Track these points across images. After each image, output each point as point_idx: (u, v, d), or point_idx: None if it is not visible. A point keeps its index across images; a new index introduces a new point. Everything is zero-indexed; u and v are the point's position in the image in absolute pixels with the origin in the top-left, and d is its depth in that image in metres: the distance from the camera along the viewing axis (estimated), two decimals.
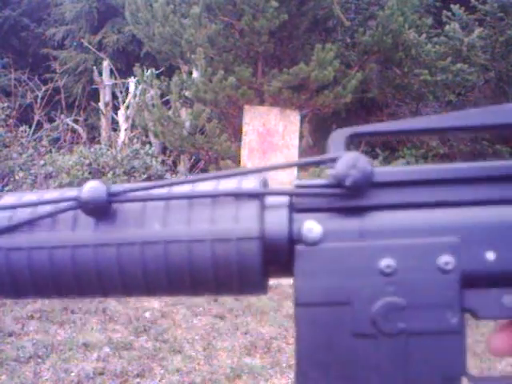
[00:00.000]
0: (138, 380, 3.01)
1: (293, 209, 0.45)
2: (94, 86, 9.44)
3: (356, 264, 0.43)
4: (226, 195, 0.45)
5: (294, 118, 5.58)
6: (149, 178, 5.92)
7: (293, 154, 5.59)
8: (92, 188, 0.44)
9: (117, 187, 0.45)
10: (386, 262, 0.42)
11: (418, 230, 0.43)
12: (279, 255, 0.45)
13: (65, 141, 8.08)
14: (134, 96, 7.92)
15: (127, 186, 0.45)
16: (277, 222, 0.44)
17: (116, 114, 8.60)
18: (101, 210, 0.44)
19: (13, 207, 0.46)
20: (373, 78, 6.48)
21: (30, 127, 7.35)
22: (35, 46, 11.29)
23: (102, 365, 3.14)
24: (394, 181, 0.44)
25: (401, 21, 5.76)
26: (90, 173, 5.72)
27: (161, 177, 5.98)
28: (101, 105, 8.93)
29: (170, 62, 7.02)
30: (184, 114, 6.33)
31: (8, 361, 3.10)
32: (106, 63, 9.10)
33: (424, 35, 6.10)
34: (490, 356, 3.38)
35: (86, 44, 9.89)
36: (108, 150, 6.15)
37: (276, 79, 5.56)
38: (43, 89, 8.85)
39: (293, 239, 0.44)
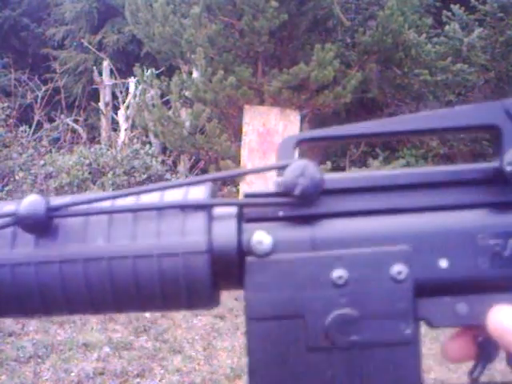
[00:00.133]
0: (137, 380, 3.01)
1: (242, 219, 0.44)
2: (94, 86, 9.44)
3: (307, 276, 0.42)
4: (172, 207, 0.43)
5: (294, 117, 5.58)
6: (149, 178, 5.92)
7: None
8: (30, 203, 0.42)
9: (57, 201, 0.43)
10: (337, 273, 0.41)
11: (369, 238, 0.42)
12: (229, 268, 0.43)
13: (65, 141, 8.08)
14: (134, 96, 7.92)
15: (69, 199, 0.44)
16: (225, 233, 0.43)
17: (116, 114, 8.60)
18: (40, 226, 0.43)
19: None
20: (373, 78, 6.48)
21: (30, 127, 7.35)
22: (35, 46, 11.29)
23: (102, 365, 3.14)
24: (344, 188, 0.43)
25: (401, 21, 5.76)
26: (90, 173, 5.72)
27: (161, 177, 5.98)
28: (101, 105, 8.94)
29: (170, 62, 7.02)
30: (184, 114, 6.33)
31: (8, 361, 3.10)
32: (106, 63, 9.10)
33: (424, 35, 6.10)
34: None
35: (86, 44, 9.89)
36: (108, 149, 6.15)
37: (276, 79, 5.56)
38: (43, 89, 8.86)
39: (243, 250, 0.43)
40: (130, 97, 8.32)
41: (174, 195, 0.44)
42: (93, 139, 8.99)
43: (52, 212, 0.43)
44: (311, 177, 0.41)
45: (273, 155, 5.55)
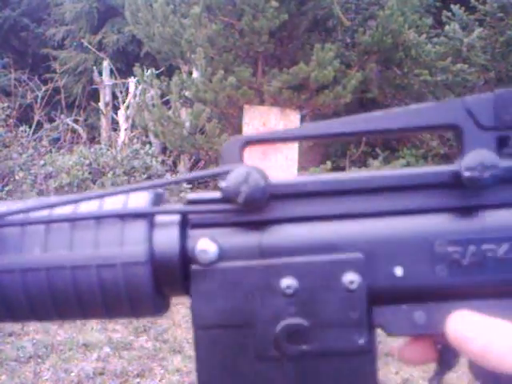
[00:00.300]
0: (137, 380, 3.01)
1: (186, 225, 0.42)
2: (94, 86, 9.44)
3: (255, 284, 0.41)
4: (110, 217, 0.42)
5: (294, 117, 5.59)
6: (149, 178, 5.92)
7: (293, 154, 5.59)
8: None
9: None
10: (286, 282, 0.40)
11: (319, 246, 0.41)
12: (173, 276, 0.42)
13: (65, 141, 8.08)
14: (134, 96, 7.92)
15: (5, 208, 0.43)
16: (167, 241, 0.42)
17: (116, 114, 8.60)
18: None
19: None
20: (373, 78, 6.48)
21: (30, 127, 7.35)
22: (35, 46, 11.29)
23: (102, 365, 3.14)
24: (293, 193, 0.42)
25: (401, 21, 5.76)
26: (90, 173, 5.72)
27: (161, 177, 5.98)
28: (101, 105, 8.94)
29: (170, 62, 7.02)
30: (184, 114, 6.33)
31: (8, 361, 3.10)
32: (106, 63, 9.10)
33: (424, 35, 6.10)
34: None
35: (86, 44, 9.89)
36: (108, 149, 6.15)
37: (276, 79, 5.56)
38: (43, 89, 8.85)
39: (187, 258, 0.41)
40: (130, 97, 8.32)
41: (114, 203, 0.43)
42: (93, 139, 8.99)
43: None
44: (255, 184, 0.40)
45: (272, 155, 5.56)
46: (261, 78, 5.85)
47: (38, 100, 8.63)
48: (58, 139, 8.03)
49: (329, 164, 5.79)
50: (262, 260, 0.41)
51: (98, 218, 0.42)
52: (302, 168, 5.04)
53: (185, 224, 0.42)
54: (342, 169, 6.84)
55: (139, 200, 0.43)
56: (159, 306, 0.44)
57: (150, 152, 6.22)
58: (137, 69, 6.45)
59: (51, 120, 8.51)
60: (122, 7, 7.59)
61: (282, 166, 5.50)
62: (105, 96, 8.92)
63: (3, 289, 0.42)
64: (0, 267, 0.42)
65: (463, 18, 6.51)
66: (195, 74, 6.20)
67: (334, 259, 0.40)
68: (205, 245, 0.41)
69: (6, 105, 7.14)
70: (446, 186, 0.40)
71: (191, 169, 7.33)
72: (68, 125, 8.61)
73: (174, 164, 7.50)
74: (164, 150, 7.54)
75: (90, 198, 0.43)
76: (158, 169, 5.98)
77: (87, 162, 5.77)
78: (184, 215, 0.43)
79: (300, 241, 0.41)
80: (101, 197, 0.43)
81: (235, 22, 5.77)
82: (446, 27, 6.27)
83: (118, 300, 0.42)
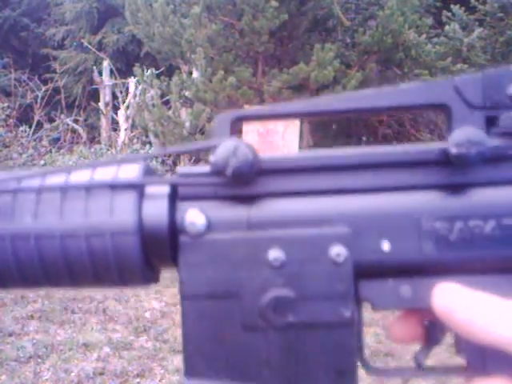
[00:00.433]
0: (137, 380, 3.01)
1: (176, 198, 0.43)
2: (94, 86, 9.44)
3: (243, 256, 0.41)
4: (101, 187, 0.43)
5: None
6: None
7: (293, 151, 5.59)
8: None
9: None
10: (274, 254, 0.41)
11: (307, 220, 0.41)
12: (162, 247, 0.42)
13: (65, 141, 8.09)
14: (134, 96, 7.92)
15: None
16: (156, 213, 0.42)
17: (116, 114, 8.60)
18: None
19: None
20: (373, 78, 6.48)
21: (30, 127, 7.35)
22: (35, 46, 11.29)
23: (102, 365, 3.14)
24: (282, 168, 0.42)
25: (401, 21, 5.75)
26: None
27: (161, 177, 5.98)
28: (101, 105, 8.94)
29: (170, 62, 7.02)
30: (184, 114, 6.33)
31: (8, 361, 3.10)
32: (106, 63, 9.10)
33: (424, 35, 6.10)
34: None
35: (86, 44, 9.89)
36: (108, 149, 6.15)
37: (276, 79, 5.56)
38: (43, 89, 8.85)
39: (176, 229, 0.42)
40: (130, 97, 8.32)
41: (105, 174, 0.43)
42: (93, 139, 8.99)
43: None
44: (243, 157, 0.40)
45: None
46: (261, 78, 5.85)
47: (38, 100, 8.63)
48: (58, 139, 8.03)
49: None
50: (249, 232, 0.41)
51: (89, 188, 0.43)
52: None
53: (174, 196, 0.43)
54: None
55: (130, 171, 0.43)
56: (148, 277, 0.44)
57: (150, 152, 6.21)
58: (137, 69, 6.45)
59: (51, 120, 8.51)
60: (122, 7, 7.59)
61: None
62: (105, 96, 8.92)
63: None
64: None
65: (463, 18, 6.51)
66: (195, 74, 6.20)
67: (321, 232, 0.41)
68: (193, 216, 0.41)
69: (6, 105, 7.14)
70: (434, 164, 0.41)
71: None
72: (68, 125, 8.61)
73: (174, 164, 7.50)
74: None
75: (81, 168, 0.44)
76: (158, 169, 5.97)
77: (87, 162, 5.77)
78: (173, 188, 0.43)
79: (287, 214, 0.42)
80: (92, 167, 0.44)
81: (235, 22, 5.77)
82: (446, 27, 6.27)
83: (107, 269, 0.43)
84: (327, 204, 0.42)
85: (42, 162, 5.78)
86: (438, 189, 0.41)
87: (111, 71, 9.06)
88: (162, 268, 0.45)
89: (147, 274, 0.44)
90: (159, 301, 4.21)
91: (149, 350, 3.35)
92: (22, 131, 6.71)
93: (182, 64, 6.70)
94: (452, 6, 6.55)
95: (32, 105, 8.60)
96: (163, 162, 6.47)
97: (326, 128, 6.49)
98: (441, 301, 0.40)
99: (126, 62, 10.21)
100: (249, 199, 0.42)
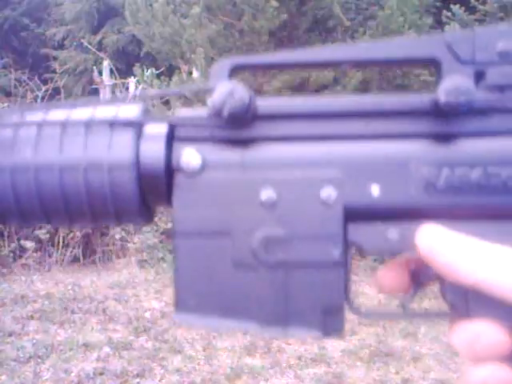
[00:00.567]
0: (137, 380, 3.01)
1: (173, 138, 0.44)
2: (93, 86, 9.43)
3: (236, 195, 0.42)
4: (101, 123, 0.44)
5: None
6: None
7: None
8: None
9: None
10: (266, 194, 0.42)
11: (300, 162, 0.43)
12: (158, 185, 0.43)
13: None
14: (134, 96, 7.90)
15: None
16: (153, 150, 0.43)
17: None
18: None
19: None
20: (373, 78, 6.48)
21: None
22: (35, 46, 11.29)
23: (102, 365, 3.14)
24: (278, 113, 0.43)
25: (401, 21, 5.75)
26: None
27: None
28: None
29: (170, 61, 7.01)
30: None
31: (8, 361, 3.10)
32: (106, 63, 9.09)
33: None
34: None
35: (86, 44, 9.89)
36: None
37: (276, 79, 5.55)
38: (43, 89, 8.85)
39: (172, 168, 0.43)
40: (130, 97, 8.31)
41: (105, 112, 0.44)
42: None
43: None
44: (240, 98, 0.41)
45: None
46: (261, 78, 5.85)
47: (38, 100, 8.63)
48: None
49: None
50: (243, 173, 0.43)
51: (89, 125, 0.44)
52: None
53: (171, 137, 0.44)
54: None
55: (129, 111, 0.45)
56: (143, 214, 0.45)
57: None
58: (137, 69, 6.44)
59: None
60: (122, 7, 7.59)
61: None
62: (105, 96, 8.92)
63: None
64: None
65: (463, 18, 6.51)
66: (195, 74, 6.19)
67: (313, 174, 0.42)
68: (189, 155, 0.43)
69: (6, 105, 7.13)
70: (423, 113, 0.42)
71: None
72: None
73: None
74: None
75: (83, 106, 0.45)
76: None
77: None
78: (171, 129, 0.44)
79: (281, 157, 0.43)
80: (94, 105, 0.45)
81: (235, 22, 5.77)
82: (446, 27, 6.27)
83: (104, 204, 0.43)
84: (320, 149, 0.43)
85: None
86: (426, 137, 0.42)
87: (111, 71, 9.06)
88: (157, 207, 0.46)
89: (142, 212, 0.45)
90: (159, 301, 4.21)
91: (149, 350, 3.35)
92: None
93: (182, 64, 6.70)
94: (452, 6, 6.55)
95: (32, 105, 8.59)
96: None
97: None
98: (424, 241, 0.41)
99: (126, 62, 10.21)
100: (244, 142, 0.43)
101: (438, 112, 0.41)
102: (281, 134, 0.43)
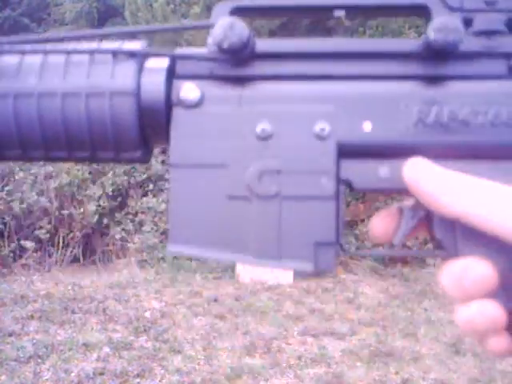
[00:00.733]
0: (137, 380, 3.01)
1: (173, 74, 0.45)
2: None
3: (233, 128, 0.43)
4: (104, 53, 0.45)
5: None
6: (149, 178, 5.92)
7: None
8: None
9: None
10: (262, 127, 0.43)
11: (295, 98, 0.44)
12: (157, 117, 0.44)
13: None
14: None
15: (4, 38, 0.45)
16: (154, 82, 0.44)
17: None
18: None
19: None
20: None
21: None
22: None
23: (102, 365, 3.14)
24: (275, 52, 0.45)
25: (401, 21, 5.75)
26: (89, 173, 5.72)
27: (161, 177, 5.97)
28: None
29: None
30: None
31: (8, 361, 3.10)
32: None
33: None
34: (489, 356, 3.38)
35: None
36: None
37: None
38: None
39: (171, 103, 0.44)
40: None
41: (109, 45, 0.46)
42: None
43: None
44: (240, 32, 0.42)
45: None
46: None
47: None
48: None
49: None
50: (240, 107, 0.44)
51: (93, 54, 0.45)
52: None
53: (172, 72, 0.45)
54: None
55: (133, 44, 0.46)
56: (141, 149, 0.46)
57: None
58: None
59: None
60: (122, 7, 7.59)
61: None
62: None
63: None
64: None
65: None
66: None
67: (308, 109, 0.44)
68: (189, 89, 0.44)
69: None
70: (415, 55, 0.44)
71: None
72: None
73: None
74: (164, 150, 7.54)
75: (88, 37, 0.46)
76: (157, 169, 5.97)
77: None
78: (172, 64, 0.45)
79: (277, 93, 0.44)
80: (100, 36, 0.46)
81: None
82: None
83: (104, 133, 0.44)
84: (315, 86, 0.44)
85: (42, 162, 5.78)
86: (417, 78, 0.44)
87: None
88: (155, 142, 0.47)
89: (141, 145, 0.45)
90: (159, 301, 4.21)
91: (149, 350, 3.35)
92: None
93: None
94: None
95: None
96: (163, 162, 6.47)
97: None
98: (411, 172, 0.42)
99: None
100: (242, 80, 0.44)
101: (429, 54, 0.43)
102: (277, 73, 0.44)
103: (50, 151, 0.46)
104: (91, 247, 5.65)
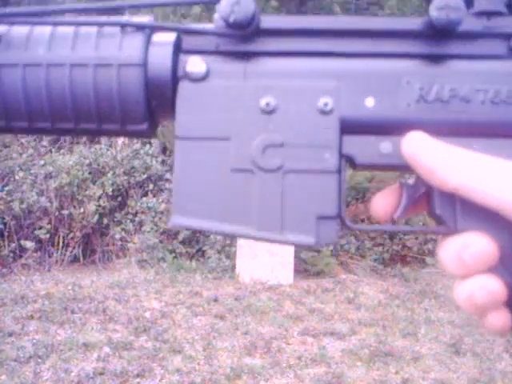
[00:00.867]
0: (137, 380, 3.01)
1: (180, 48, 0.46)
2: None
3: (237, 101, 0.44)
4: (113, 25, 0.46)
5: None
6: (149, 178, 5.92)
7: None
8: None
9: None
10: (266, 101, 0.44)
11: (299, 73, 0.45)
12: (163, 90, 0.45)
13: (65, 141, 8.08)
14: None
15: (14, 9, 0.46)
16: (161, 54, 0.45)
17: None
18: None
19: None
20: None
21: None
22: None
23: (102, 365, 3.14)
24: (280, 29, 0.45)
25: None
26: (89, 173, 5.72)
27: (161, 177, 5.97)
28: None
29: None
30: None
31: (8, 361, 3.10)
32: None
33: None
34: (489, 356, 3.38)
35: None
36: (108, 149, 6.15)
37: None
38: None
39: (177, 77, 0.45)
40: None
41: (117, 18, 0.47)
42: (93, 139, 8.99)
43: None
44: (246, 6, 0.43)
45: None
46: None
47: None
48: (58, 139, 8.03)
49: None
50: (245, 81, 0.44)
51: (102, 25, 0.46)
52: None
53: (178, 46, 0.46)
54: None
55: (141, 19, 0.47)
56: (148, 121, 0.46)
57: (150, 152, 6.21)
58: None
59: None
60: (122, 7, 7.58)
61: None
62: None
63: (3, 86, 0.45)
64: (4, 61, 0.45)
65: None
66: None
67: (312, 84, 0.44)
68: (195, 62, 0.45)
69: None
70: (417, 35, 0.45)
71: None
72: None
73: None
74: (164, 150, 7.54)
75: (96, 10, 0.47)
76: (157, 169, 5.97)
77: (87, 161, 5.77)
78: (178, 39, 0.46)
79: (282, 68, 0.45)
80: (108, 9, 0.47)
81: None
82: None
83: (110, 104, 0.45)
84: (319, 63, 0.45)
85: (42, 162, 5.78)
86: (419, 56, 0.45)
87: None
88: (160, 116, 0.47)
89: (147, 117, 0.46)
90: (159, 301, 4.21)
91: (149, 350, 3.35)
92: None
93: None
94: None
95: None
96: (163, 162, 6.47)
97: None
98: (409, 146, 0.43)
99: None
100: (247, 55, 0.45)
101: (431, 32, 0.43)
102: (282, 49, 0.45)
103: (56, 122, 0.46)
104: (91, 247, 5.65)
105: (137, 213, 5.62)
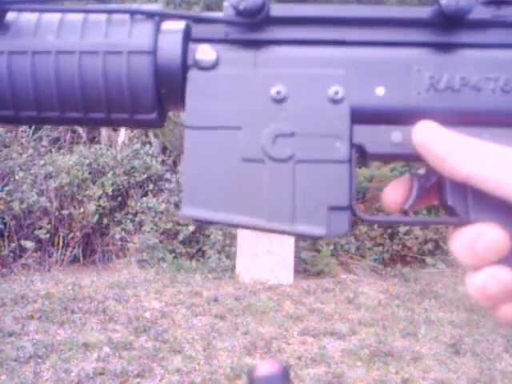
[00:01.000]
0: (137, 380, 3.01)
1: (189, 37, 0.45)
2: None
3: (248, 90, 0.44)
4: (123, 12, 0.45)
5: None
6: (149, 178, 5.92)
7: None
8: None
9: None
10: (277, 89, 0.43)
11: (310, 61, 0.44)
12: (172, 78, 0.45)
13: (65, 141, 8.09)
14: None
15: None
16: (171, 42, 0.45)
17: None
18: None
19: None
20: None
21: (30, 127, 7.35)
22: None
23: (102, 365, 3.14)
24: (290, 17, 0.45)
25: None
26: (90, 173, 5.72)
27: (161, 177, 5.97)
28: None
29: None
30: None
31: (8, 361, 3.10)
32: None
33: None
34: (489, 356, 3.38)
35: None
36: (108, 150, 6.15)
37: None
38: None
39: (187, 65, 0.45)
40: None
41: (127, 7, 0.46)
42: (93, 139, 8.99)
43: (4, 5, 0.44)
44: None
45: None
46: None
47: None
48: (58, 139, 8.03)
49: None
50: (255, 70, 0.44)
51: (112, 12, 0.45)
52: None
53: (188, 34, 0.45)
54: None
55: (150, 6, 0.46)
56: (157, 110, 0.46)
57: (150, 152, 6.22)
58: None
59: None
60: None
61: None
62: None
63: (12, 72, 0.44)
64: (13, 48, 0.44)
65: None
66: None
67: (322, 73, 0.44)
68: (204, 50, 0.44)
69: None
70: (427, 23, 0.44)
71: None
72: None
73: (174, 164, 7.50)
74: (164, 150, 7.54)
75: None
76: (157, 169, 5.97)
77: (87, 161, 5.77)
78: (188, 27, 0.45)
79: (292, 56, 0.45)
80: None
81: None
82: None
83: (120, 92, 0.44)
84: (329, 51, 0.45)
85: (42, 162, 5.78)
86: (429, 44, 0.44)
87: None
88: (170, 104, 0.47)
89: (156, 106, 0.45)
90: (159, 301, 4.21)
91: (149, 350, 3.35)
92: (22, 131, 6.71)
93: None
94: None
95: None
96: (163, 162, 6.47)
97: None
98: (420, 135, 0.43)
99: None
100: (257, 43, 0.45)
101: (440, 20, 0.43)
102: (292, 37, 0.45)
103: (65, 111, 0.46)
104: (91, 247, 5.66)
105: (137, 213, 5.62)
